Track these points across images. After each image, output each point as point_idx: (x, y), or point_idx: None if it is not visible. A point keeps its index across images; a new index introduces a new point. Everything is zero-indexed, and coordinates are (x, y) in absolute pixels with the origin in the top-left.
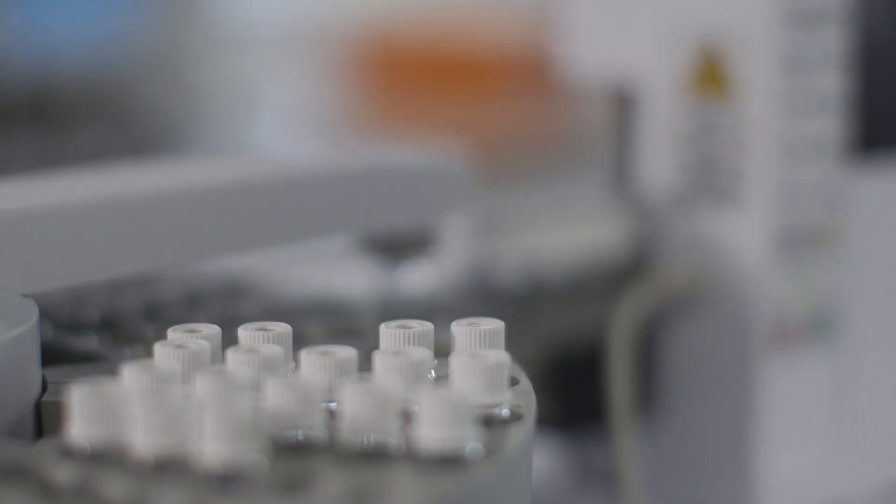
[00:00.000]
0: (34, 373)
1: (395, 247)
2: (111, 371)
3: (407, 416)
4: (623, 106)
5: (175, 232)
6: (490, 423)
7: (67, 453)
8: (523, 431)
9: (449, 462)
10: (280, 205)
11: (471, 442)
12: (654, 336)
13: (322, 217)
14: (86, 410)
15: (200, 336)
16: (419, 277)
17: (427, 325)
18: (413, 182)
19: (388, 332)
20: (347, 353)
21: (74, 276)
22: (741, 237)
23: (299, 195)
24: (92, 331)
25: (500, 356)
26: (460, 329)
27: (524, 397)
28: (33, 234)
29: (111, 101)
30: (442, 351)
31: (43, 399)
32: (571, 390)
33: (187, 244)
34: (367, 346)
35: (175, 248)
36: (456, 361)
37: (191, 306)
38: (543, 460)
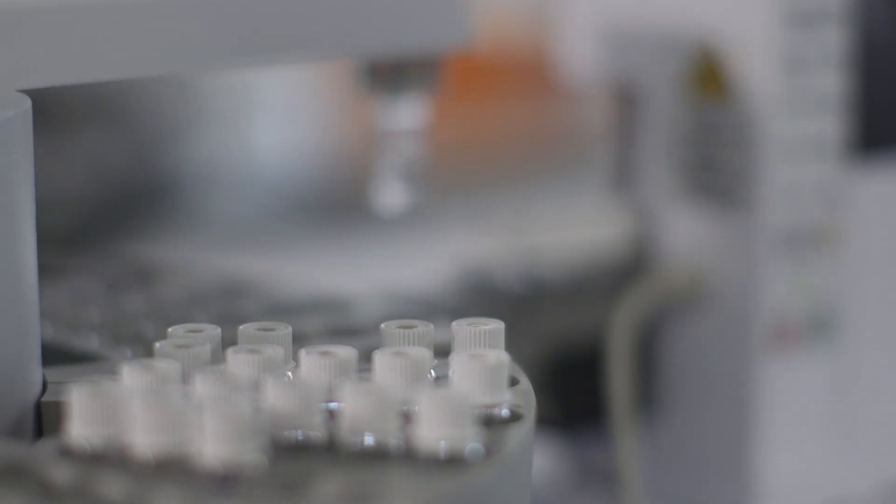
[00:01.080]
0: (34, 373)
1: (394, 78)
2: (111, 371)
3: (407, 417)
4: (623, 106)
5: (163, 37)
6: (490, 423)
7: (67, 453)
8: (523, 431)
9: (449, 462)
10: (271, 17)
11: (471, 442)
12: (654, 336)
13: (308, 36)
14: (86, 410)
15: (200, 336)
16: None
17: (427, 325)
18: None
19: (388, 332)
20: (347, 353)
21: (65, 75)
22: (741, 237)
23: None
24: (92, 331)
25: (500, 356)
26: (460, 329)
27: (524, 397)
28: (25, 29)
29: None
30: (442, 351)
31: (43, 399)
32: (571, 390)
33: (171, 51)
34: (366, 345)
35: (162, 54)
36: (456, 361)
37: (191, 306)
38: (543, 460)
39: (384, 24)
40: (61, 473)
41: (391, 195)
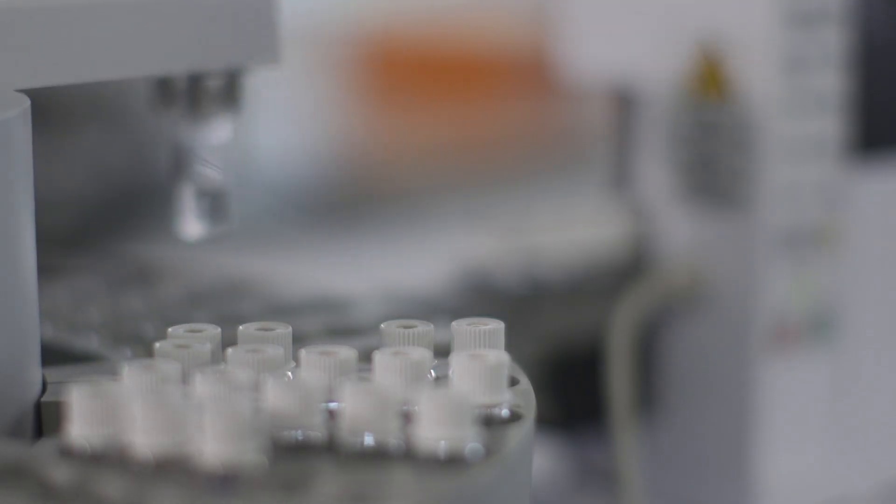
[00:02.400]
0: (34, 373)
1: (196, 98)
2: (111, 371)
3: (407, 417)
4: (623, 106)
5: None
6: (490, 423)
7: (67, 453)
8: (523, 431)
9: (449, 462)
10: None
11: (471, 442)
12: (654, 336)
13: (100, 51)
14: (86, 410)
15: (200, 336)
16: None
17: (427, 325)
18: (211, 17)
19: (388, 332)
20: (347, 353)
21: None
22: (741, 237)
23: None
24: (92, 331)
25: (499, 356)
26: (460, 329)
27: (524, 397)
28: (23, 29)
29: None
30: (442, 351)
31: (43, 399)
32: (571, 390)
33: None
34: (366, 345)
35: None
36: (456, 361)
37: (191, 306)
38: (543, 460)
39: (189, 40)
40: (61, 473)
41: (191, 224)
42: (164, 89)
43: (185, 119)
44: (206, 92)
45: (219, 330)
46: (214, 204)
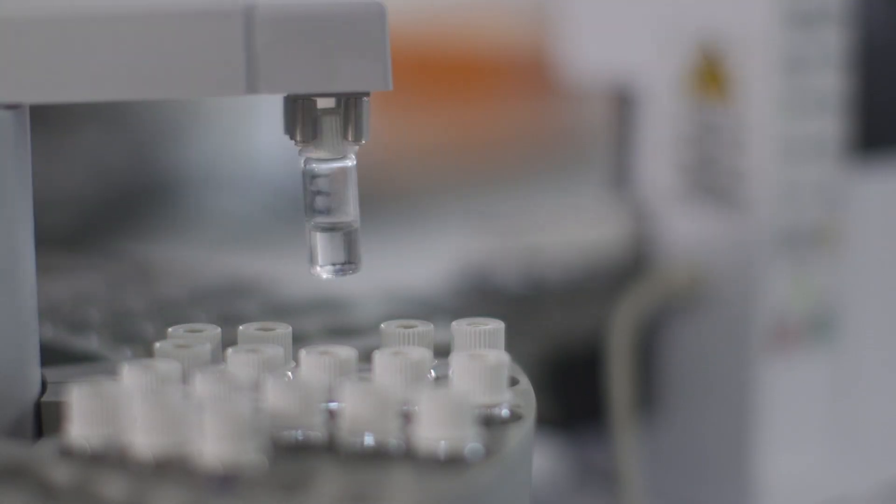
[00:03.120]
0: (34, 373)
1: (314, 123)
2: (111, 371)
3: (407, 417)
4: (623, 106)
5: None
6: (490, 423)
7: (67, 453)
8: (523, 431)
9: (449, 462)
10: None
11: (471, 442)
12: (654, 336)
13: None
14: (86, 410)
15: (200, 336)
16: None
17: (427, 325)
18: (323, 42)
19: (388, 332)
20: (347, 353)
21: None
22: (741, 237)
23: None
24: (92, 331)
25: (499, 356)
26: (460, 329)
27: (524, 397)
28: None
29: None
30: (442, 351)
31: (43, 399)
32: (571, 390)
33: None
34: (366, 345)
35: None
36: (456, 361)
37: (191, 305)
38: (543, 460)
39: (302, 63)
40: (61, 473)
41: (322, 264)
42: (286, 114)
43: (307, 147)
44: (322, 117)
45: (219, 330)
46: (345, 241)
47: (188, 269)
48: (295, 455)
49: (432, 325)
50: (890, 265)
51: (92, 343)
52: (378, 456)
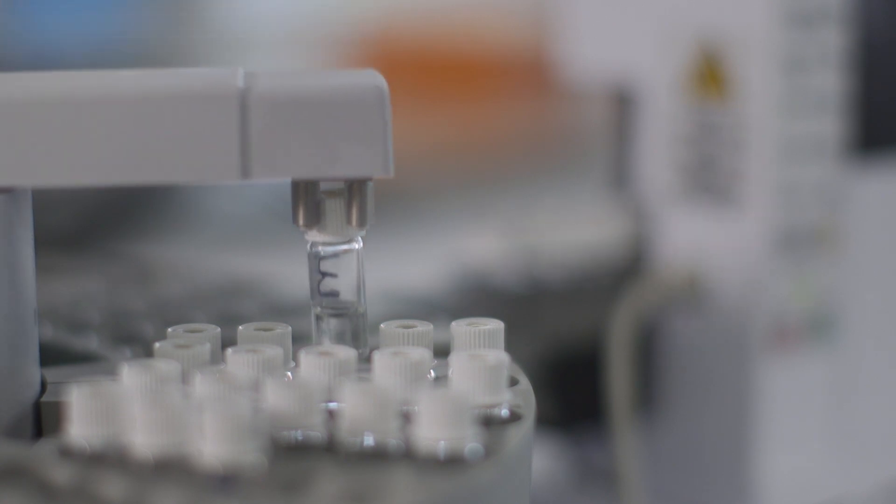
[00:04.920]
0: (34, 373)
1: (318, 208)
2: (111, 371)
3: (406, 417)
4: (623, 106)
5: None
6: (490, 423)
7: (67, 453)
8: (523, 431)
9: (448, 462)
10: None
11: (470, 442)
12: (653, 336)
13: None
14: (86, 410)
15: (200, 336)
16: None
17: (427, 325)
18: (327, 128)
19: (388, 332)
20: (347, 353)
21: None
22: (740, 237)
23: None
24: (92, 331)
25: (499, 356)
26: (460, 329)
27: (524, 397)
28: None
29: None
30: (442, 351)
31: (43, 399)
32: (571, 390)
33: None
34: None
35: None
36: (456, 361)
37: (191, 306)
38: (543, 460)
39: (305, 148)
40: (61, 473)
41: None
42: (292, 199)
43: (311, 231)
44: (326, 200)
45: (219, 330)
46: (352, 326)
47: (188, 269)
48: (295, 455)
49: (432, 325)
50: (890, 265)
51: (92, 343)
52: (378, 456)
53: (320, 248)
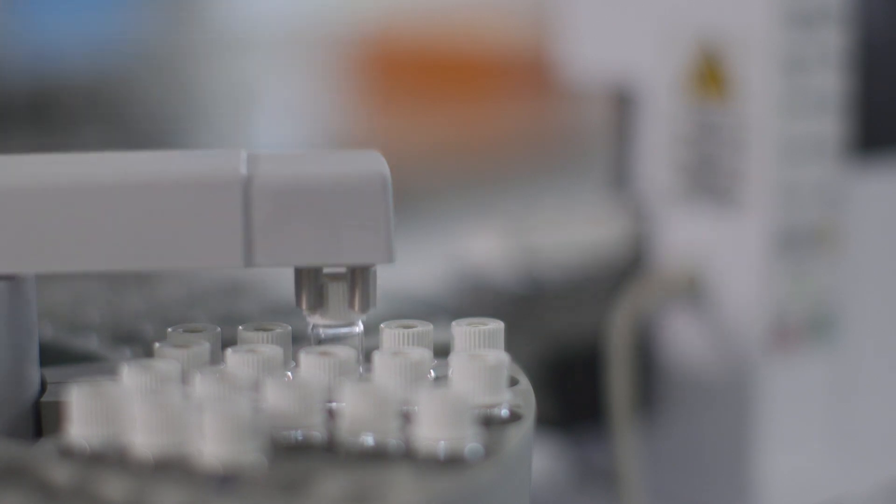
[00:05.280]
0: (34, 373)
1: (321, 293)
2: (111, 371)
3: (406, 417)
4: (623, 106)
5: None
6: (490, 423)
7: (67, 453)
8: (523, 431)
9: (448, 462)
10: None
11: (470, 442)
12: (653, 336)
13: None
14: (86, 410)
15: (200, 336)
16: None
17: (427, 325)
18: (330, 217)
19: (388, 332)
20: (347, 353)
21: None
22: (740, 237)
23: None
24: (92, 331)
25: (499, 356)
26: (460, 329)
27: (524, 397)
28: None
29: (111, 101)
30: (442, 351)
31: (43, 399)
32: (571, 390)
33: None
34: (365, 345)
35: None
36: (455, 361)
37: (191, 306)
38: (543, 460)
39: (308, 236)
40: (61, 473)
41: None
42: (295, 283)
43: (313, 315)
44: (328, 284)
45: (219, 330)
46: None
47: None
48: (295, 455)
49: (432, 325)
50: (890, 265)
51: (92, 343)
52: (378, 456)
53: (321, 330)
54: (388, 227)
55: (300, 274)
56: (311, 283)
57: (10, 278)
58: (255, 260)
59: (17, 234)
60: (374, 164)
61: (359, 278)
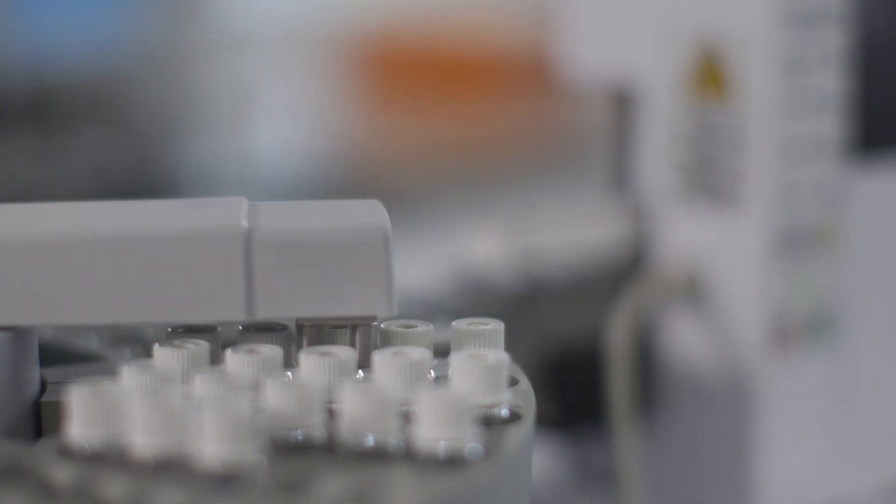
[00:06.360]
0: (34, 373)
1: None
2: (111, 371)
3: (406, 417)
4: (623, 106)
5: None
6: (490, 423)
7: (67, 453)
8: (523, 431)
9: (448, 462)
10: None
11: (470, 442)
12: (653, 336)
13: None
14: (86, 410)
15: (200, 336)
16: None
17: (427, 325)
18: (330, 270)
19: (389, 332)
20: (347, 353)
21: None
22: (740, 237)
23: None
24: (92, 331)
25: (499, 356)
26: (460, 329)
27: (524, 397)
28: None
29: (111, 101)
30: (442, 351)
31: (43, 399)
32: (571, 390)
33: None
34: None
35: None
36: (456, 361)
37: None
38: (543, 460)
39: (309, 289)
40: (61, 473)
41: None
42: (297, 333)
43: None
44: (331, 337)
45: (219, 330)
46: None
47: None
48: (295, 455)
49: (432, 325)
50: (890, 265)
51: (92, 343)
52: (378, 456)
53: None
54: (389, 280)
55: (302, 326)
56: (312, 336)
57: (11, 329)
58: (257, 311)
59: (18, 286)
60: (375, 215)
61: (361, 331)
